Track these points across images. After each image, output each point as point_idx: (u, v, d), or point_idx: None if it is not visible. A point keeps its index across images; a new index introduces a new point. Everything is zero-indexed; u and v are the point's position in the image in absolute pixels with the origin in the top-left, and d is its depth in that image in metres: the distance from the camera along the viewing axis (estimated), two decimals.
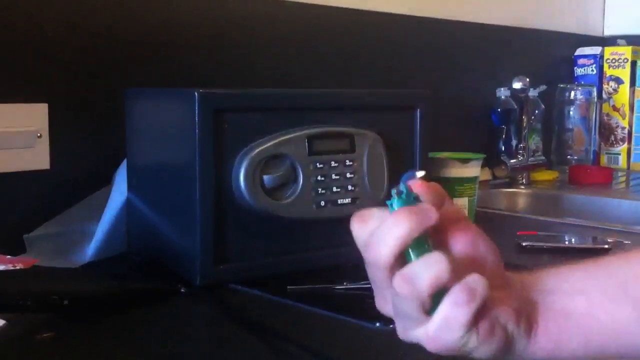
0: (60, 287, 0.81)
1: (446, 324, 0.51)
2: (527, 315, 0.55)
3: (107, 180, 1.13)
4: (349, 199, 1.02)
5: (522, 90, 1.87)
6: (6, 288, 0.78)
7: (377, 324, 0.80)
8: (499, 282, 0.55)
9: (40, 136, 1.10)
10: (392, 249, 0.50)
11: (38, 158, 1.10)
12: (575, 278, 0.58)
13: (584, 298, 0.57)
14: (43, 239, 1.08)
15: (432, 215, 0.50)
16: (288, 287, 0.91)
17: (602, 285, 0.57)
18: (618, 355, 0.58)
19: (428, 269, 0.49)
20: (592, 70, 2.16)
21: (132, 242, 1.09)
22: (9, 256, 0.98)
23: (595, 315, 0.56)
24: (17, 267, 0.92)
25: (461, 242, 0.54)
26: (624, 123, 2.10)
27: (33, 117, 1.10)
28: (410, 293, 0.50)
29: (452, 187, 1.29)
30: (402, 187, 0.52)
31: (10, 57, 1.07)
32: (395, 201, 0.52)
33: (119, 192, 1.08)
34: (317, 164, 0.99)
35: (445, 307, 0.51)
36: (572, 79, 2.18)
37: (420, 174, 0.53)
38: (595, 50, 2.16)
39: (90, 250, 1.05)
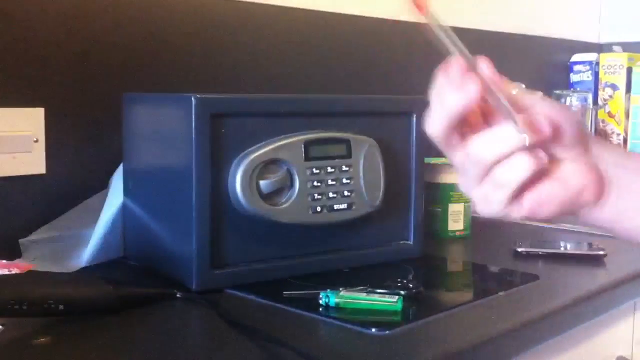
0: (56, 292, 0.81)
1: (485, 200, 0.58)
2: (596, 183, 0.59)
3: (103, 185, 1.13)
4: (345, 205, 1.02)
5: None
6: (2, 293, 0.78)
7: (373, 330, 0.80)
8: (578, 149, 0.59)
9: (37, 141, 1.10)
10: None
11: (34, 162, 1.10)
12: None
13: None
14: (39, 244, 1.08)
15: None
16: (284, 292, 0.92)
17: None
18: None
19: (496, 144, 0.55)
20: (588, 77, 2.16)
21: (128, 246, 1.09)
22: (4, 261, 0.97)
23: None
24: (13, 272, 0.92)
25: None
26: (620, 129, 2.10)
27: (29, 121, 1.10)
28: (475, 158, 0.56)
29: (447, 192, 1.29)
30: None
31: (7, 62, 1.07)
32: None
33: (115, 196, 1.08)
34: (314, 170, 0.99)
35: (484, 186, 0.57)
36: (568, 86, 2.19)
37: None
38: (591, 56, 2.17)
39: (86, 255, 1.05)
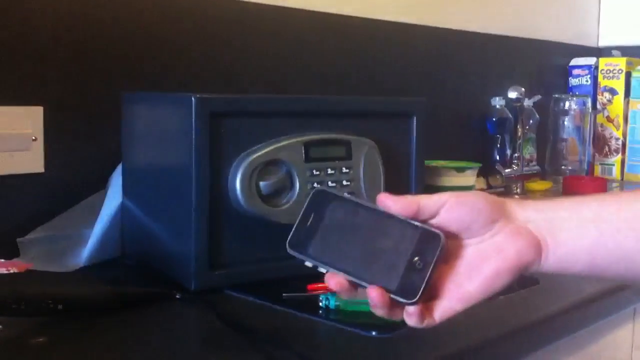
0: (54, 292, 0.80)
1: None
2: (530, 242, 0.63)
3: (102, 184, 1.13)
4: None
5: (517, 99, 1.88)
6: (0, 292, 0.78)
7: (373, 333, 0.79)
8: (499, 223, 0.63)
9: (35, 139, 1.10)
10: None
11: (33, 161, 1.10)
12: (588, 209, 0.65)
13: (594, 227, 0.63)
14: (37, 243, 1.07)
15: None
16: (283, 293, 0.91)
17: (612, 217, 0.64)
18: (619, 277, 0.66)
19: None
20: (587, 81, 2.16)
21: (127, 246, 1.08)
22: (2, 260, 0.97)
23: (603, 243, 0.63)
24: (11, 271, 0.91)
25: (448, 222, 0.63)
26: (618, 134, 2.11)
27: (28, 119, 1.09)
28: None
29: None
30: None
31: (6, 60, 1.07)
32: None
33: (113, 196, 1.08)
34: (314, 171, 0.99)
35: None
36: (567, 89, 2.19)
37: None
38: (590, 60, 2.17)
39: (84, 254, 1.04)
